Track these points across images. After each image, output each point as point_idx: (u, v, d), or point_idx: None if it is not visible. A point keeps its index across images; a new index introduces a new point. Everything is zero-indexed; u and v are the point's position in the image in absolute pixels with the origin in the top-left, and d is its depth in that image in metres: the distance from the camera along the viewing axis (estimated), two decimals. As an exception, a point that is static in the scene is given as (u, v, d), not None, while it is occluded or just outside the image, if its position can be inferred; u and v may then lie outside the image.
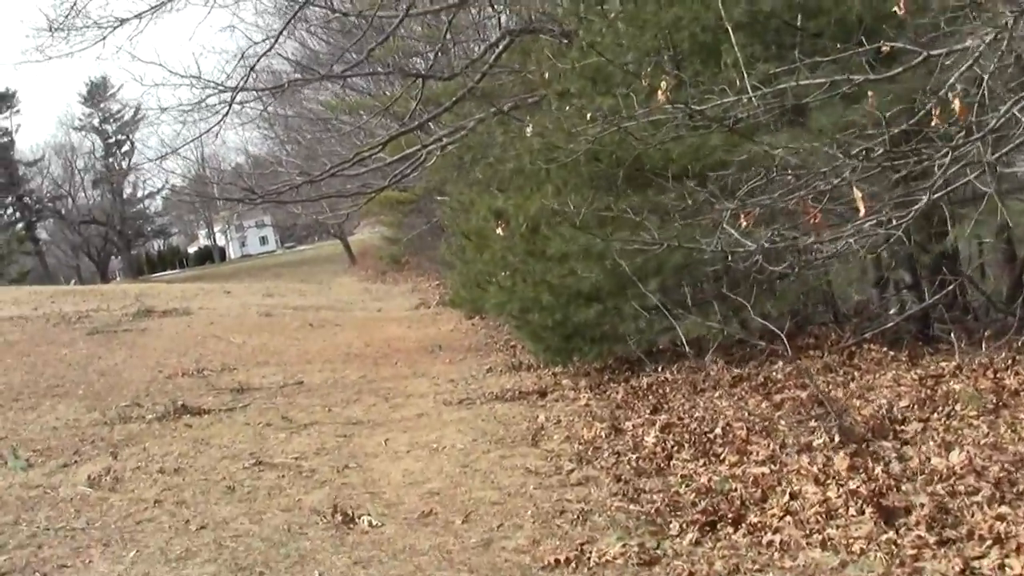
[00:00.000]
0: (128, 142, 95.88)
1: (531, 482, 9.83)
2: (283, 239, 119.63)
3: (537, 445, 11.50)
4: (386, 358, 21.62)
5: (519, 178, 15.94)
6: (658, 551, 7.49)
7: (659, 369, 14.46)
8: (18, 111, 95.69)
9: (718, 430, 10.53)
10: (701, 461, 9.69)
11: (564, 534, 8.13)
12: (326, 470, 11.07)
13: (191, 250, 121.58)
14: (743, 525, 7.71)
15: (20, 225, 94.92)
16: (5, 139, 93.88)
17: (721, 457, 9.67)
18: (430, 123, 22.61)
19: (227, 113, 18.40)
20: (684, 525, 7.93)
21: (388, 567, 7.69)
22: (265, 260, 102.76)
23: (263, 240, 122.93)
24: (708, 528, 7.81)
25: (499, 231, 16.19)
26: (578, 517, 8.49)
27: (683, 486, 9.04)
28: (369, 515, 9.02)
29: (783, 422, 10.44)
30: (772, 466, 9.03)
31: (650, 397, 13.13)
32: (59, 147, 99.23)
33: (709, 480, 8.98)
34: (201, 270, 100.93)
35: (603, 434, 11.41)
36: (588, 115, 11.33)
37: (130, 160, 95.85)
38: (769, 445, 9.66)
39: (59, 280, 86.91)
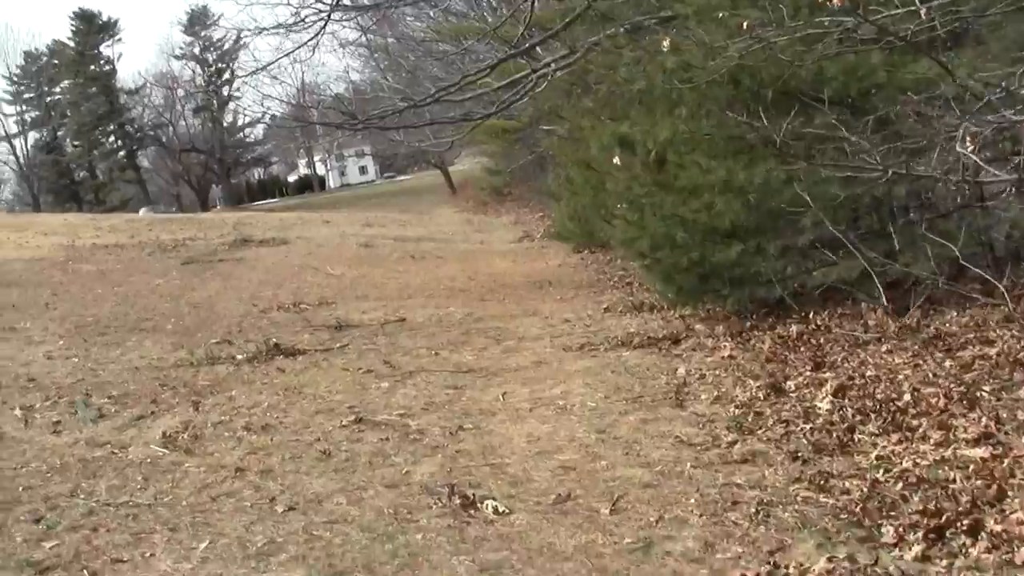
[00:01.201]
0: (229, 70, 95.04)
1: (685, 456, 8.01)
2: (383, 169, 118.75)
3: (683, 406, 9.68)
4: (492, 294, 20.26)
5: (649, 100, 14.10)
6: (876, 569, 5.64)
7: (808, 316, 12.59)
8: (120, 39, 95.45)
9: (906, 396, 8.58)
10: (894, 437, 7.77)
11: (743, 535, 6.28)
12: (436, 432, 9.38)
13: (291, 179, 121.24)
14: (982, 534, 5.81)
15: (121, 153, 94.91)
16: (107, 67, 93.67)
17: (919, 433, 7.74)
18: (538, 48, 21.11)
19: (323, 30, 16.89)
20: (901, 531, 6.00)
21: (524, 577, 5.98)
22: (365, 190, 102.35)
23: (363, 170, 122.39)
24: (934, 537, 5.92)
25: (616, 160, 14.63)
26: (756, 511, 6.63)
27: (880, 471, 7.11)
28: (493, 498, 7.27)
29: (986, 388, 8.57)
30: (992, 448, 7.13)
31: (803, 349, 11.29)
32: (160, 76, 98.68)
33: (914, 465, 7.06)
34: (300, 199, 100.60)
35: (761, 395, 9.55)
36: (744, 24, 9.64)
37: (230, 89, 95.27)
38: (980, 419, 7.74)
39: (160, 208, 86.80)
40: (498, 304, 18.61)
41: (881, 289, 10.99)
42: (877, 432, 7.96)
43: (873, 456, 7.45)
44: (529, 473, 7.93)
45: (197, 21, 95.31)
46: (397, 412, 10.17)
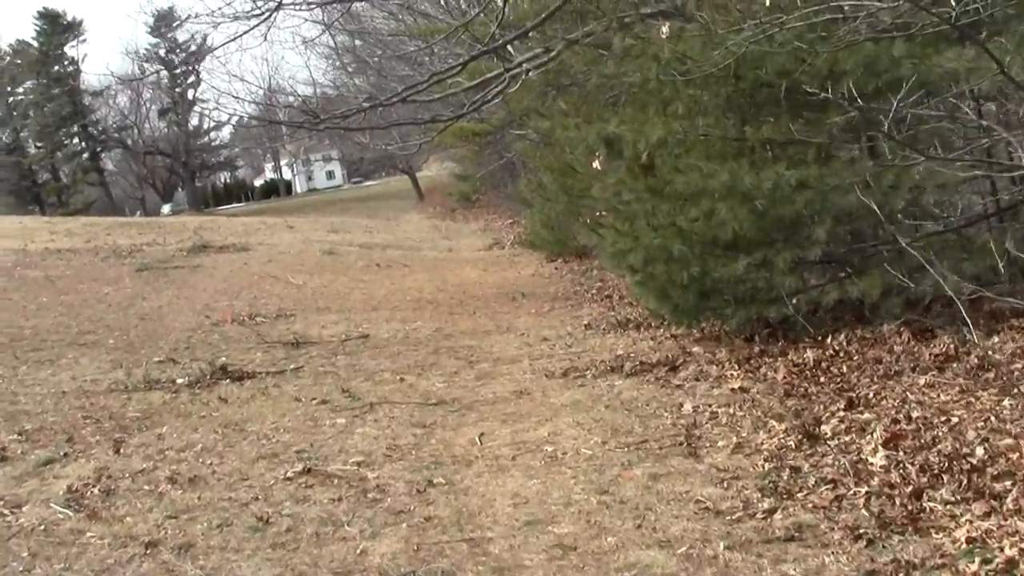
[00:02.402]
0: (194, 73, 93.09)
1: (714, 531, 6.18)
2: (350, 174, 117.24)
3: (697, 455, 7.81)
4: (462, 306, 18.78)
5: (641, 96, 12.40)
6: None
7: (822, 339, 10.89)
8: (84, 40, 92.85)
9: (979, 450, 6.83)
10: (977, 508, 5.96)
11: (821, 667, 4.54)
12: (400, 489, 7.54)
13: (257, 183, 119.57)
14: None
15: (85, 155, 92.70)
16: (71, 68, 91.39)
17: (1009, 502, 5.94)
18: (511, 47, 19.73)
19: (272, 14, 15.22)
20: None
21: None
22: (332, 195, 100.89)
23: (330, 175, 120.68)
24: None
25: (597, 164, 13.15)
26: (827, 624, 4.91)
27: (976, 560, 5.35)
28: (475, 596, 5.52)
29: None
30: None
31: (823, 380, 9.57)
32: (125, 77, 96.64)
33: (1021, 553, 5.33)
34: (266, 204, 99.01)
35: (791, 443, 7.72)
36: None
37: (195, 91, 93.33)
38: (1082, 482, 6.10)
39: (124, 212, 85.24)
40: (469, 318, 17.14)
41: (961, 313, 9.13)
42: (953, 499, 6.19)
43: (961, 538, 5.67)
44: (518, 554, 6.10)
45: (163, 22, 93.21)
46: (354, 460, 8.36)
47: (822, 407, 8.65)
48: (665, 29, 10.78)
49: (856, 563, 5.56)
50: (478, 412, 9.93)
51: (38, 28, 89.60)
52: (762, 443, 7.91)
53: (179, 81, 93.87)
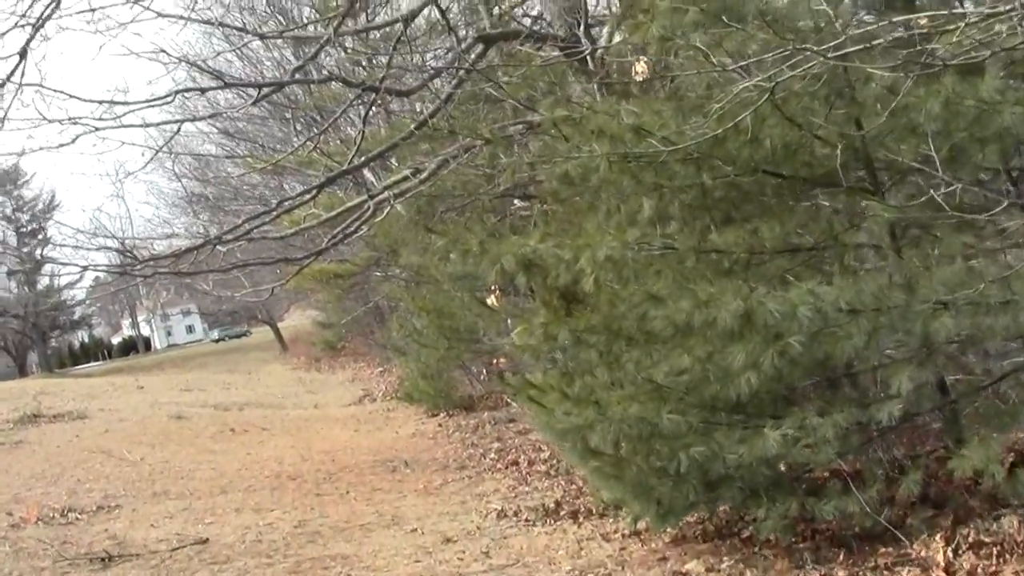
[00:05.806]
0: (42, 231, 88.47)
1: None
2: (210, 327, 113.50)
3: None
4: (331, 482, 14.67)
5: (582, 195, 8.18)
6: None
7: (908, 546, 6.56)
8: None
9: None
10: None
11: None
12: None
13: (115, 341, 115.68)
14: None
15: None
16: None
17: None
18: (369, 173, 19.00)
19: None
20: None
21: None
22: (192, 349, 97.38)
23: (190, 329, 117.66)
24: None
25: (493, 300, 9.50)
26: None
27: None
28: None
29: None
30: None
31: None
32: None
33: None
34: (124, 361, 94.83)
35: None
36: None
37: (43, 250, 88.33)
38: None
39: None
40: (341, 502, 13.03)
41: None
42: None
43: None
44: None
45: (7, 180, 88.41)
46: None
47: None
48: (640, 67, 6.66)
49: None
50: None
51: None
52: None
53: (26, 240, 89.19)
